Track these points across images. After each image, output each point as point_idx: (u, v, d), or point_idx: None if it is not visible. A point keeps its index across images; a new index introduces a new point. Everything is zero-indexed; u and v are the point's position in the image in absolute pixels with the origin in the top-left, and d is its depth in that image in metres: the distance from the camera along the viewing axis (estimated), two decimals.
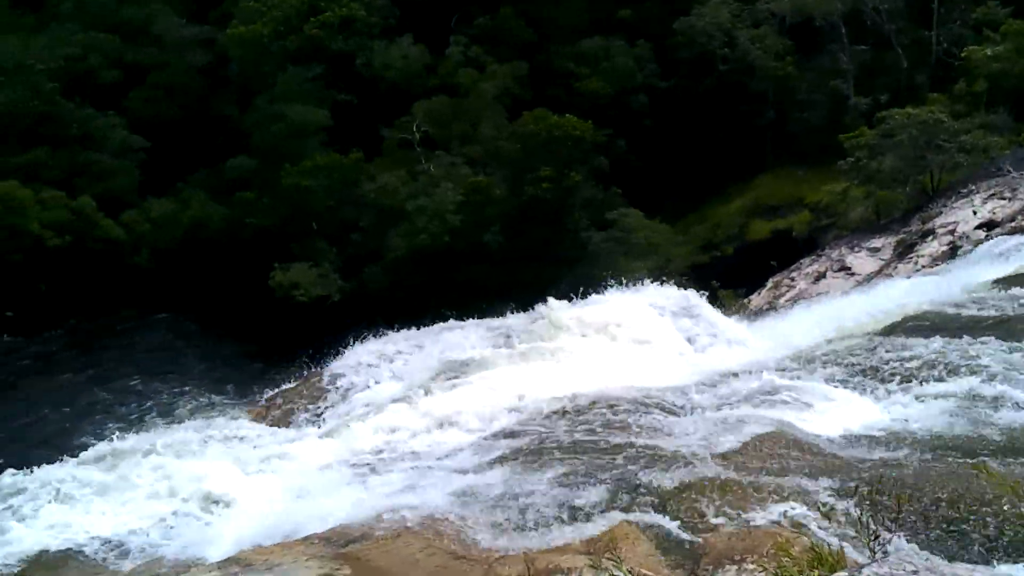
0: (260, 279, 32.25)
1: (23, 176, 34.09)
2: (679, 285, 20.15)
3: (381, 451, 13.59)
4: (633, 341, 16.39)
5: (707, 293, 19.79)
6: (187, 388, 26.54)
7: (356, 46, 38.27)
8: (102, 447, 17.30)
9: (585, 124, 31.60)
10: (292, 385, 18.38)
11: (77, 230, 34.10)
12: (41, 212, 33.28)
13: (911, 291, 17.47)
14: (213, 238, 35.60)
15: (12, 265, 32.93)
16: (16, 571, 13.00)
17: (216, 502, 13.12)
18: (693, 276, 26.81)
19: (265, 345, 29.90)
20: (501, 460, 12.40)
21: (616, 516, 9.17)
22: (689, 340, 16.87)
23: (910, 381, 11.87)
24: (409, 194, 32.39)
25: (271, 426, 16.06)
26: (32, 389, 26.97)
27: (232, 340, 30.74)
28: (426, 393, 15.44)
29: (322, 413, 16.22)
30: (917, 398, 11.30)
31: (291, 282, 31.61)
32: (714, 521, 8.76)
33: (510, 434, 13.46)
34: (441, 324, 19.22)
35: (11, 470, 16.44)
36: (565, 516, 9.75)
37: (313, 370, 19.16)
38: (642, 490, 9.36)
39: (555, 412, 13.27)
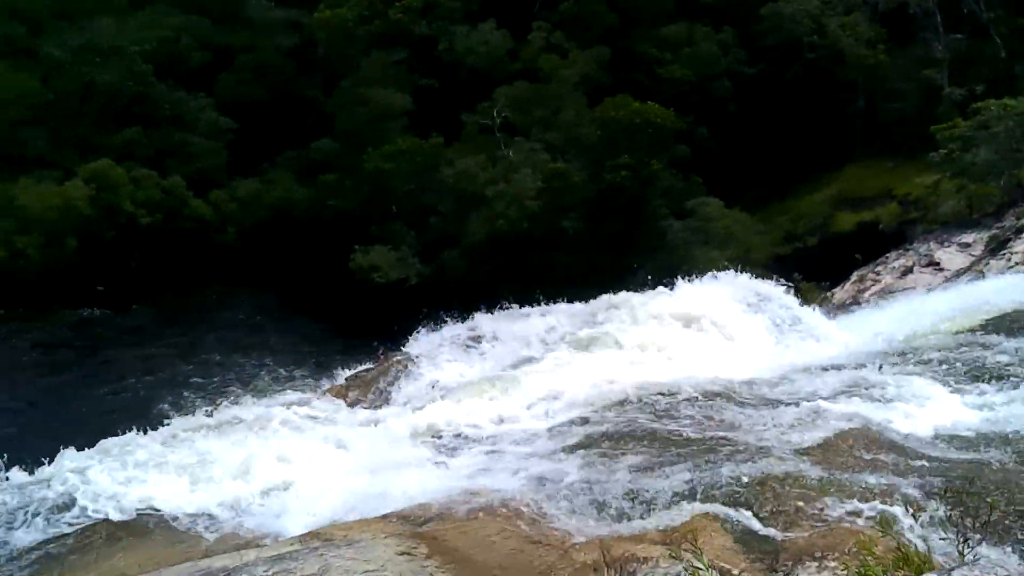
0: (340, 260, 32.74)
1: (117, 156, 35.22)
2: (759, 276, 19.82)
3: (458, 434, 13.75)
4: (713, 332, 16.21)
5: (789, 285, 19.45)
6: (268, 363, 27.17)
7: (439, 31, 38.47)
8: (186, 420, 17.88)
9: (667, 111, 31.23)
10: (372, 365, 18.65)
11: (168, 208, 35.11)
12: (134, 191, 34.34)
13: (1004, 289, 16.93)
14: (297, 218, 36.26)
15: (105, 242, 34.06)
16: (103, 535, 13.54)
17: (295, 477, 13.44)
18: (774, 267, 26.29)
19: (344, 325, 30.38)
20: (576, 447, 12.43)
21: (694, 508, 9.13)
22: (770, 333, 16.62)
23: (1002, 381, 11.52)
24: (488, 179, 32.47)
25: (351, 405, 16.37)
26: (120, 361, 27.86)
27: (312, 318, 31.31)
28: (503, 379, 15.59)
29: (401, 394, 16.45)
30: (1010, 399, 10.97)
31: (370, 264, 32.00)
32: (794, 517, 8.65)
33: (586, 421, 13.47)
34: (519, 310, 19.33)
35: (103, 440, 17.15)
36: (641, 505, 9.74)
37: (392, 352, 19.42)
38: (721, 483, 9.29)
39: (632, 401, 13.24)
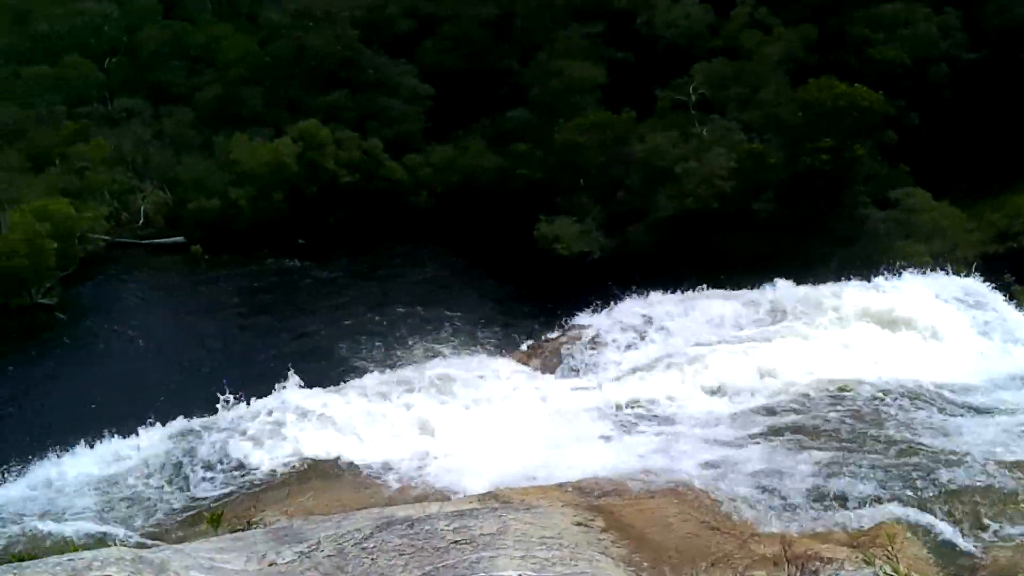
0: (525, 229, 33.12)
1: (323, 117, 36.99)
2: (966, 275, 18.62)
3: (637, 410, 13.75)
4: (917, 332, 15.35)
5: (1001, 287, 18.16)
6: (451, 323, 27.93)
7: (638, 4, 37.97)
8: (375, 374, 18.74)
9: (875, 94, 29.58)
10: (554, 335, 18.91)
11: (366, 169, 36.59)
12: (336, 151, 35.97)
13: None
14: (486, 185, 36.91)
15: (308, 198, 35.95)
16: (296, 475, 14.44)
17: (475, 438, 13.86)
18: (983, 267, 24.55)
19: (526, 292, 30.78)
20: (759, 436, 12.17)
21: (885, 512, 8.77)
22: (979, 337, 15.59)
23: None
24: (679, 156, 31.92)
25: (534, 371, 16.67)
26: (314, 309, 29.42)
27: (496, 283, 31.86)
28: (685, 359, 15.41)
29: (581, 366, 16.61)
30: None
31: (554, 235, 32.20)
32: (997, 531, 8.15)
33: (770, 411, 13.15)
34: (705, 291, 19.02)
35: (291, 389, 18.22)
36: (826, 504, 9.44)
37: (574, 323, 19.59)
38: (917, 489, 8.86)
39: (821, 395, 12.81)
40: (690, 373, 14.80)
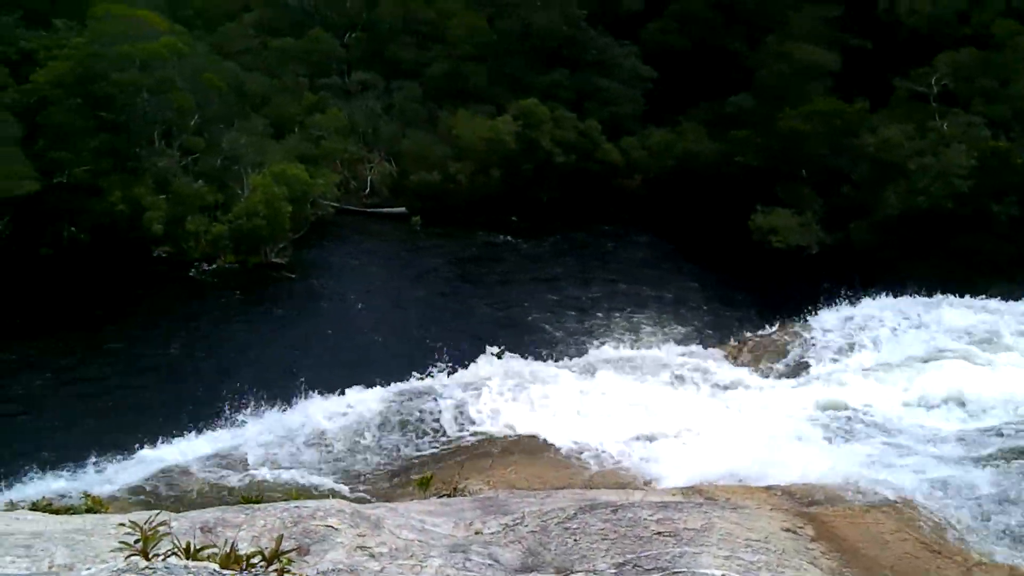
0: (739, 218, 32.25)
1: (542, 95, 37.39)
2: None
3: (855, 417, 13.06)
4: None
5: None
6: (661, 309, 27.61)
7: None
8: (580, 356, 18.83)
9: None
10: (768, 331, 18.30)
11: (582, 149, 36.76)
12: (554, 130, 36.31)
13: None
14: (701, 171, 36.23)
15: (523, 175, 36.56)
16: (498, 448, 14.77)
17: (681, 428, 13.65)
18: None
19: (737, 284, 30.03)
20: (990, 459, 11.29)
21: None
22: None
23: None
24: (914, 151, 29.97)
25: (741, 366, 16.20)
26: (516, 283, 30.02)
27: (706, 271, 31.27)
28: (911, 367, 14.48)
29: (796, 365, 15.97)
30: None
31: (770, 226, 31.15)
32: None
33: (1004, 433, 12.16)
34: (938, 296, 17.75)
35: (489, 359, 18.63)
36: None
37: (790, 320, 18.83)
38: None
39: None
40: (917, 383, 13.89)
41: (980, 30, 33.86)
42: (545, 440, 14.29)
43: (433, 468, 13.44)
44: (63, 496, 12.28)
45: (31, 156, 28.09)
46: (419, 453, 14.74)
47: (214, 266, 29.24)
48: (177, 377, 22.28)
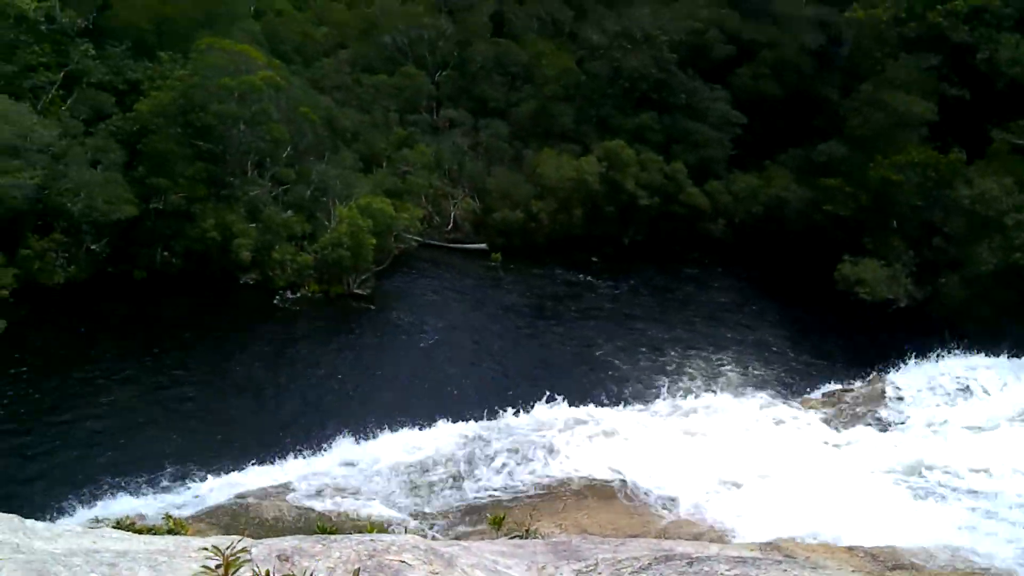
0: (826, 267, 31.68)
1: (629, 137, 37.42)
2: None
3: (944, 479, 12.56)
4: None
5: None
6: (741, 356, 27.22)
7: (981, 38, 34.99)
8: (655, 402, 18.60)
9: None
10: (852, 385, 17.81)
11: (666, 192, 36.61)
12: (639, 172, 36.29)
13: None
14: (787, 218, 35.75)
15: (606, 216, 36.61)
16: (571, 491, 14.63)
17: (760, 481, 13.32)
18: None
19: (821, 334, 29.41)
20: None
21: None
22: None
23: None
24: (1013, 205, 29.03)
25: (825, 420, 15.76)
26: (592, 321, 29.89)
27: (788, 319, 30.76)
28: (1005, 430, 13.88)
29: (881, 422, 15.48)
30: None
31: (857, 277, 30.44)
32: None
33: None
34: None
35: (574, 400, 18.50)
36: None
37: (875, 374, 18.29)
38: None
39: None
40: (1010, 448, 13.31)
41: None
42: (619, 485, 14.10)
43: (505, 508, 13.38)
44: (143, 516, 12.56)
45: (131, 181, 29.22)
46: (492, 492, 14.71)
47: (298, 295, 29.85)
48: (259, 404, 22.74)
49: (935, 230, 31.64)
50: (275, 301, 29.56)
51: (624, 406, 19.51)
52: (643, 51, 38.77)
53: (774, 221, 37.07)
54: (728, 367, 26.56)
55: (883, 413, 15.98)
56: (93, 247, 28.94)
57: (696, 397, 18.61)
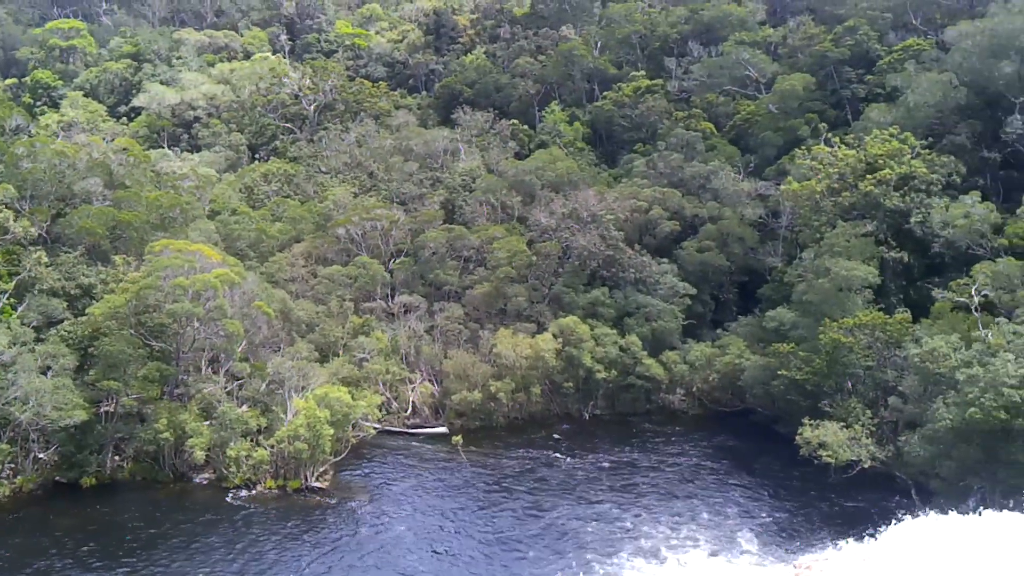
0: (788, 431, 31.80)
1: (583, 314, 38.14)
2: None
3: None
4: None
5: None
6: (707, 526, 26.82)
7: (913, 203, 36.70)
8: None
9: None
10: (826, 554, 17.37)
11: (623, 365, 36.99)
12: (594, 347, 36.75)
13: None
14: (745, 384, 36.17)
15: (564, 392, 36.84)
16: None
17: None
18: None
19: (788, 499, 29.34)
20: None
21: None
22: None
23: None
24: (961, 362, 29.51)
25: None
26: (559, 507, 29.28)
27: (754, 488, 30.71)
28: None
29: None
30: None
31: (819, 441, 30.46)
32: None
33: None
34: (994, 515, 16.75)
35: None
36: None
37: (848, 543, 17.86)
38: None
39: None
40: None
41: (1016, 240, 34.12)
42: None
43: None
44: None
45: (81, 386, 28.90)
46: None
47: (253, 492, 29.17)
48: None
49: (890, 390, 31.97)
50: (229, 499, 28.78)
51: None
52: (590, 230, 40.02)
53: (732, 388, 37.38)
54: (697, 538, 26.08)
55: None
56: (40, 455, 28.26)
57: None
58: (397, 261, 42.02)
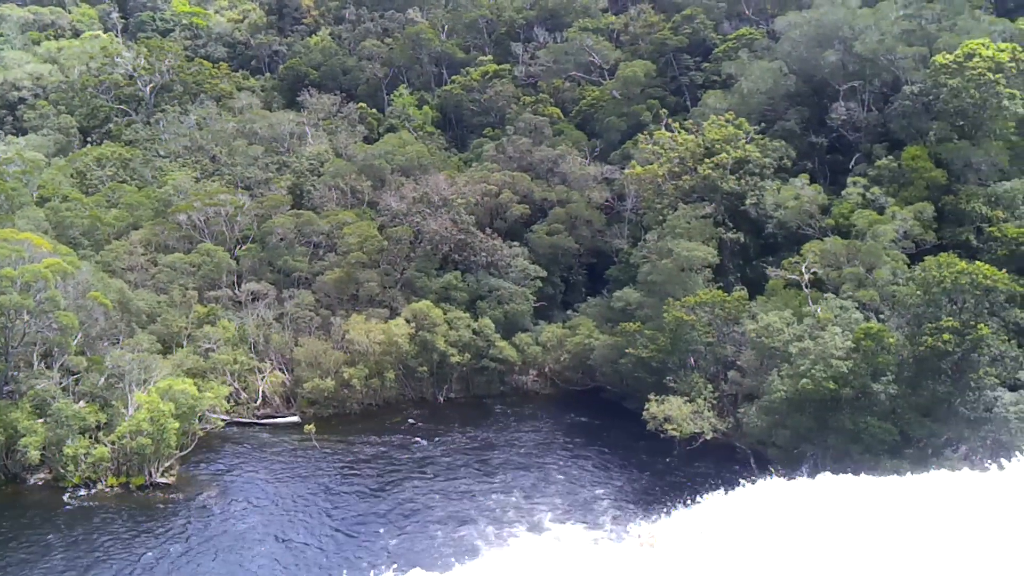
0: (636, 407, 32.92)
1: (436, 298, 38.22)
2: None
3: None
4: None
5: None
6: (561, 503, 27.55)
7: (748, 186, 38.53)
8: (481, 557, 18.17)
9: (998, 273, 28.66)
10: (666, 517, 18.14)
11: (476, 348, 37.32)
12: (448, 331, 36.89)
13: None
14: (595, 363, 37.14)
15: (418, 377, 36.86)
16: None
17: None
18: None
19: (637, 471, 30.46)
20: None
21: None
22: None
23: None
24: (793, 336, 31.30)
25: (648, 555, 15.87)
26: (425, 490, 29.35)
27: (606, 462, 31.71)
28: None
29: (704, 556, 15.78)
30: None
31: (664, 415, 31.70)
32: None
33: None
34: (825, 478, 17.97)
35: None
36: None
37: (686, 507, 18.77)
38: None
39: None
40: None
41: (842, 221, 36.33)
42: None
43: None
44: None
45: None
46: None
47: (93, 491, 27.85)
48: None
49: (730, 364, 33.55)
50: (66, 499, 27.39)
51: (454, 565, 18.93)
52: (442, 215, 40.09)
53: (582, 368, 38.39)
54: (550, 513, 26.73)
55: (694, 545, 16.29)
56: None
57: (519, 544, 18.30)
58: (243, 248, 40.87)
